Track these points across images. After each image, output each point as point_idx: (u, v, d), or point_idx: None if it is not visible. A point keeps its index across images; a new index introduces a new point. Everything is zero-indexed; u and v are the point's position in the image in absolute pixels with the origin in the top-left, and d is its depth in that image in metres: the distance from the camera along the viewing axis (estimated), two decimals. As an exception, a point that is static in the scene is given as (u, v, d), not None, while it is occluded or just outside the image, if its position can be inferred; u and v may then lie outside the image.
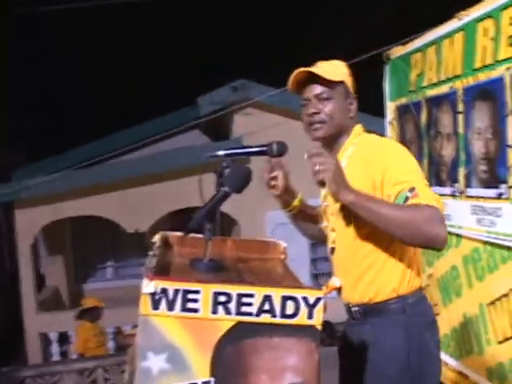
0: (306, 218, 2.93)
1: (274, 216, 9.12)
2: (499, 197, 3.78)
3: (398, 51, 5.24)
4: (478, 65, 4.00)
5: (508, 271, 3.77)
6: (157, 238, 2.35)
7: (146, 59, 14.04)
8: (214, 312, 1.74)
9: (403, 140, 5.19)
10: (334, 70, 2.62)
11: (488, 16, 3.87)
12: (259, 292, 1.72)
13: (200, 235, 2.29)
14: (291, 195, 2.83)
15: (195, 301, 1.72)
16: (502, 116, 3.74)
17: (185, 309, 1.72)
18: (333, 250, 2.69)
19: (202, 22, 12.81)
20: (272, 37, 13.23)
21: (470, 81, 4.08)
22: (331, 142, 2.64)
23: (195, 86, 9.75)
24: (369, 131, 2.71)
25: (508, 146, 3.69)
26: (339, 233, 2.61)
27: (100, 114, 15.18)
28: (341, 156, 2.60)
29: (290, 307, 1.73)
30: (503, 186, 3.75)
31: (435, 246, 2.29)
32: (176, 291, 1.71)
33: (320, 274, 10.44)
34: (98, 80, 15.14)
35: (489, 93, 3.88)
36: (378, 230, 2.33)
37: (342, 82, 2.61)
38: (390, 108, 5.42)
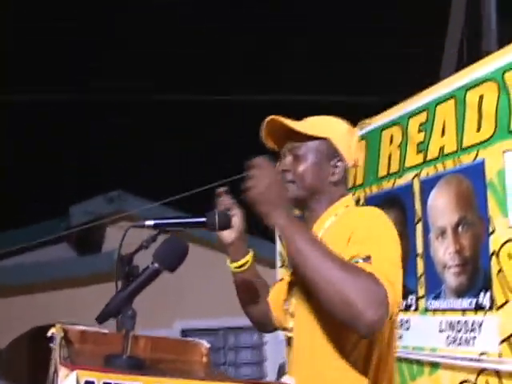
0: (252, 288, 2.47)
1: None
2: (407, 308, 3.61)
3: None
4: (382, 173, 3.93)
5: (418, 388, 3.54)
6: (55, 331, 1.92)
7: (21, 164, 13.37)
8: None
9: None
10: (318, 124, 2.25)
11: (394, 123, 3.84)
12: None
13: (104, 330, 1.91)
14: (243, 249, 2.42)
15: (134, 401, 1.30)
16: (410, 224, 3.64)
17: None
18: (289, 339, 2.25)
19: (81, 128, 12.55)
20: (152, 150, 13.14)
21: (374, 189, 3.99)
22: (307, 209, 2.23)
23: (70, 195, 9.36)
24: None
25: (417, 254, 3.57)
26: (299, 319, 2.16)
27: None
28: (317, 227, 2.19)
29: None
30: (411, 296, 3.60)
31: (357, 326, 1.79)
32: None
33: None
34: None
35: (395, 201, 3.79)
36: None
37: (324, 139, 2.21)
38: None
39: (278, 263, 5.23)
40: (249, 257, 2.44)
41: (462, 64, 7.55)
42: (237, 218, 2.35)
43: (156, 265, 1.79)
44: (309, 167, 2.19)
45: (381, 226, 2.07)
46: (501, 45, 3.75)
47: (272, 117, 2.22)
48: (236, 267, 2.43)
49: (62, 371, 1.29)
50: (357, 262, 1.86)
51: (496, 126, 3.04)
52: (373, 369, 2.04)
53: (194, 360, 2.03)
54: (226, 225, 2.19)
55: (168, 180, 10.61)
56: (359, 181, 4.15)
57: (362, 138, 4.14)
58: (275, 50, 13.58)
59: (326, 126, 2.25)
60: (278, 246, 5.24)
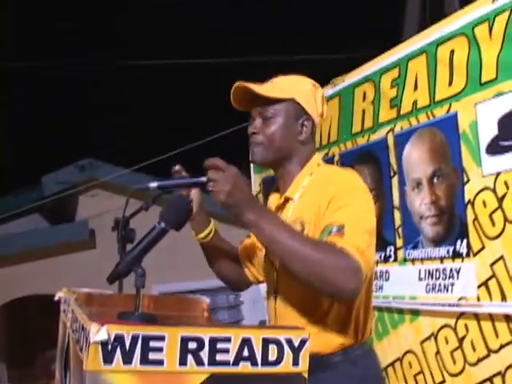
0: (221, 252, 2.63)
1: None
2: (386, 259, 3.73)
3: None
4: (356, 129, 4.01)
5: (399, 336, 3.68)
6: (63, 294, 1.98)
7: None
8: (183, 363, 1.40)
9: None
10: (285, 85, 2.33)
11: (366, 80, 3.91)
12: (237, 335, 1.42)
13: (109, 291, 1.98)
14: (205, 221, 2.54)
15: (159, 350, 1.38)
16: (386, 178, 3.73)
17: (146, 361, 1.38)
18: (276, 293, 2.36)
19: (49, 97, 12.36)
20: (122, 115, 13.03)
21: (349, 145, 4.07)
22: (279, 169, 2.35)
23: (41, 165, 9.27)
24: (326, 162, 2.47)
25: (394, 207, 3.68)
26: (284, 276, 2.28)
27: None
28: (294, 187, 2.32)
29: (272, 352, 1.44)
30: (390, 247, 3.71)
31: (341, 296, 2.01)
32: (134, 339, 1.36)
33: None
34: None
35: (370, 156, 3.88)
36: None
37: (291, 100, 2.30)
38: (256, 181, 5.30)
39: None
40: (212, 225, 2.56)
41: (424, 24, 7.65)
42: (194, 192, 2.46)
43: (162, 224, 1.84)
44: (277, 128, 2.29)
45: (358, 194, 2.19)
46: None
47: (238, 82, 2.30)
48: (202, 237, 2.55)
49: (94, 326, 1.36)
50: (330, 233, 2.00)
51: (467, 80, 3.13)
52: (354, 318, 2.24)
53: (196, 315, 2.11)
54: None
55: (138, 146, 10.60)
56: (333, 137, 4.22)
57: (335, 95, 4.22)
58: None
59: (291, 86, 2.34)
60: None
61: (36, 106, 12.05)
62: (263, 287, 5.24)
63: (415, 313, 3.55)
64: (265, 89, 2.30)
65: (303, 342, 1.46)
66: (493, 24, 2.98)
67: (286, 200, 2.35)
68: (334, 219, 2.04)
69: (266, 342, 1.44)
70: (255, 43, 11.46)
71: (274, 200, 2.44)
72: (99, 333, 1.35)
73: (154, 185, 2.05)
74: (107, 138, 12.20)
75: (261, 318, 6.92)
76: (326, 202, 2.12)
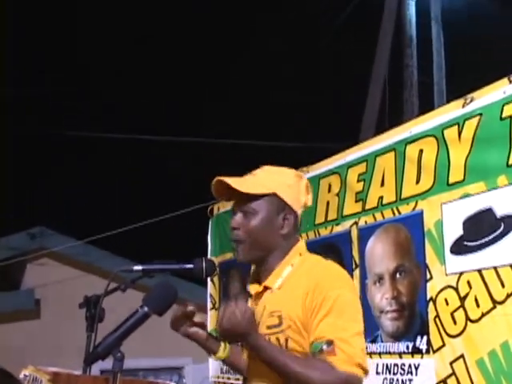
0: (240, 361, 2.56)
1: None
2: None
3: (224, 206, 5.21)
4: (320, 220, 4.05)
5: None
6: (30, 372, 1.92)
7: None
8: None
9: (226, 296, 5.06)
10: (265, 179, 2.32)
11: (333, 172, 3.98)
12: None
13: (76, 372, 1.94)
14: (215, 340, 2.50)
15: None
16: (348, 270, 3.72)
17: None
18: (245, 380, 2.38)
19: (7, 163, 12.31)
20: (77, 186, 13.00)
21: (311, 235, 4.11)
22: (258, 264, 2.35)
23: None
24: (310, 252, 2.43)
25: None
26: (253, 361, 2.30)
27: None
28: (273, 278, 2.30)
29: None
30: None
31: None
32: None
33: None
34: None
35: (333, 247, 3.92)
36: None
37: (273, 194, 2.29)
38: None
39: (209, 305, 5.28)
40: (224, 344, 2.51)
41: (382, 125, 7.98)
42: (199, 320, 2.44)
43: (146, 308, 1.82)
44: (258, 224, 2.29)
45: (340, 283, 2.23)
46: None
47: (218, 178, 2.31)
48: (222, 355, 2.51)
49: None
50: (321, 350, 2.08)
51: (435, 179, 3.23)
52: None
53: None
54: (212, 272, 2.27)
55: (91, 218, 10.52)
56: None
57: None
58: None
59: (272, 180, 2.34)
60: (210, 289, 5.29)
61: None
62: (206, 368, 5.20)
63: (371, 407, 3.52)
64: (245, 183, 2.30)
65: None
66: (462, 127, 3.10)
67: (265, 289, 2.34)
68: (321, 334, 2.10)
69: None
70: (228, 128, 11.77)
71: (253, 288, 2.41)
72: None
73: (138, 268, 2.04)
74: (60, 207, 12.10)
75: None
76: (307, 293, 2.16)
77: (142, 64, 13.95)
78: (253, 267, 2.43)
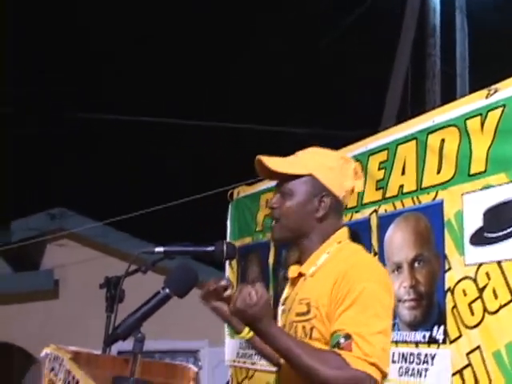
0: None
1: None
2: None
3: (244, 190, 5.23)
4: (339, 207, 4.05)
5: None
6: (51, 351, 1.95)
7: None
8: None
9: (244, 281, 5.08)
10: (305, 160, 2.30)
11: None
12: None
13: (96, 352, 1.96)
14: None
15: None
16: (366, 258, 3.76)
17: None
18: (279, 365, 2.35)
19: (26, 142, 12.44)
20: (98, 168, 13.12)
21: (330, 222, 4.10)
22: (298, 245, 2.32)
23: (13, 210, 9.21)
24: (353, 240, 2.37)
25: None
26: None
27: None
28: (309, 264, 2.28)
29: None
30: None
31: None
32: None
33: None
34: None
35: (352, 235, 3.90)
36: None
37: (309, 176, 2.26)
38: (232, 247, 5.31)
39: (227, 289, 5.29)
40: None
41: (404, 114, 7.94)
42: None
43: (167, 290, 1.83)
44: (292, 204, 2.26)
45: (370, 276, 2.15)
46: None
47: (258, 157, 2.30)
48: (246, 335, 2.49)
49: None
50: (339, 344, 2.01)
51: (456, 169, 3.22)
52: None
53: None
54: (233, 255, 2.28)
55: (111, 200, 10.59)
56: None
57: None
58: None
59: (310, 162, 2.30)
60: (228, 273, 5.31)
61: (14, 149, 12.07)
62: (222, 352, 5.23)
63: (386, 395, 3.53)
64: (282, 164, 2.29)
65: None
66: (485, 118, 3.08)
67: (300, 275, 2.33)
68: (341, 326, 2.04)
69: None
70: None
71: (292, 271, 2.40)
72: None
73: (160, 249, 2.05)
74: (80, 188, 12.20)
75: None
76: (335, 282, 2.12)
77: (141, 64, 13.99)
78: (284, 252, 2.44)
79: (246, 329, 2.44)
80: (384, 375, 2.05)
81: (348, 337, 1.99)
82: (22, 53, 12.93)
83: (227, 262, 5.28)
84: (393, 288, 2.29)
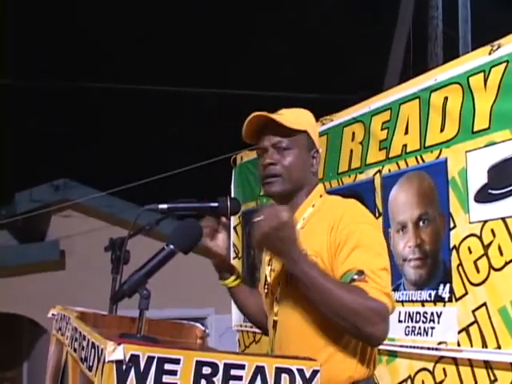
0: (249, 295, 2.61)
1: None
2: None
3: (247, 155, 5.21)
4: (343, 168, 4.04)
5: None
6: (58, 311, 1.95)
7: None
8: (196, 387, 1.38)
9: (250, 245, 5.09)
10: (297, 117, 2.36)
11: (356, 121, 3.96)
12: (251, 363, 1.41)
13: (102, 312, 1.96)
14: (230, 266, 2.54)
15: (173, 373, 1.36)
16: (371, 218, 3.76)
17: (160, 383, 1.36)
18: (275, 323, 2.34)
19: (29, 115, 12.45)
20: (100, 138, 13.11)
21: (334, 184, 4.10)
22: (286, 200, 2.33)
23: (15, 181, 9.21)
24: (329, 193, 2.46)
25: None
26: (285, 304, 2.27)
27: None
28: (297, 216, 2.28)
29: (284, 381, 1.43)
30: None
31: (369, 343, 2.15)
32: (150, 360, 1.35)
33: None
34: None
35: (356, 196, 3.89)
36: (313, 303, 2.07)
37: (304, 132, 2.34)
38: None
39: (232, 255, 5.32)
40: (237, 272, 2.56)
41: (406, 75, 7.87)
42: (221, 237, 2.44)
43: (171, 246, 1.83)
44: (294, 160, 2.31)
45: (362, 218, 2.24)
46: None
47: (256, 113, 2.31)
48: (231, 283, 2.53)
49: (110, 345, 1.34)
50: (353, 280, 2.04)
51: (459, 127, 3.19)
52: (360, 352, 2.21)
53: (189, 342, 2.09)
54: (236, 210, 2.29)
55: (115, 169, 10.58)
56: (319, 175, 4.24)
57: (323, 133, 4.26)
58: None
59: (303, 119, 2.40)
60: (233, 238, 5.32)
61: (18, 123, 12.08)
62: (229, 319, 5.26)
63: (392, 354, 3.56)
64: (284, 120, 2.31)
65: (314, 373, 1.46)
66: (488, 75, 3.05)
67: None
68: (351, 265, 2.08)
69: (278, 371, 1.43)
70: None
71: None
72: (115, 352, 1.32)
73: (163, 206, 2.05)
74: (83, 158, 12.20)
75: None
76: (332, 228, 2.17)
77: (141, 65, 13.91)
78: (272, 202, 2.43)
79: (232, 277, 2.51)
80: (393, 308, 2.11)
81: (361, 272, 2.05)
82: (21, 53, 12.85)
83: (232, 229, 5.30)
84: None
